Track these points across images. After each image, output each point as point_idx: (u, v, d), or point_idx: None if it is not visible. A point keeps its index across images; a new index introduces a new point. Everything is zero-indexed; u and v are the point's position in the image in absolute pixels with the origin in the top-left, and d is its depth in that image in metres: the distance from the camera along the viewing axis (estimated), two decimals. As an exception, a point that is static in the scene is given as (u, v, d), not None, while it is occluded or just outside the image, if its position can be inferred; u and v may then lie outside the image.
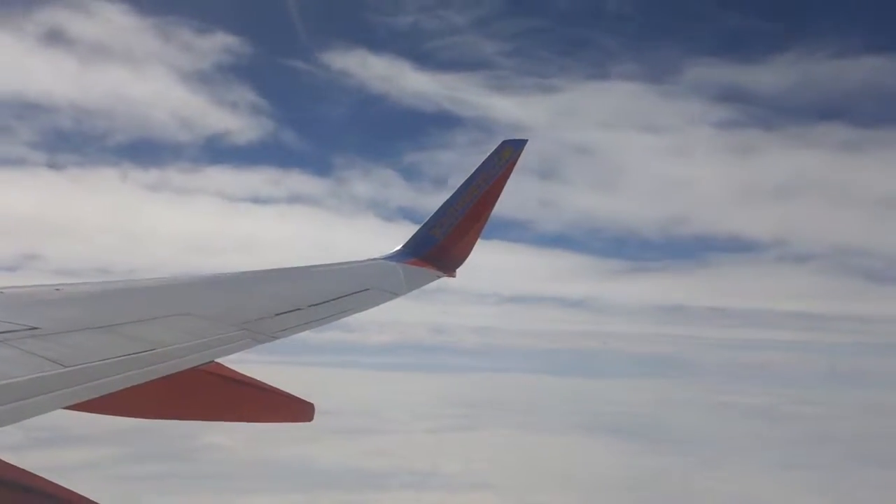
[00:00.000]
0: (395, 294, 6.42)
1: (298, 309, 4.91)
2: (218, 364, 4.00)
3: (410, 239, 8.31)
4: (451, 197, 8.34)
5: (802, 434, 75.77)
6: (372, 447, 62.13)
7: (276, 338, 4.35)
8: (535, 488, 55.35)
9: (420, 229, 8.37)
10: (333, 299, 5.44)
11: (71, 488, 3.21)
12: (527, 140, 8.29)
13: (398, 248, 8.23)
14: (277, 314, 4.67)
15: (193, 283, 5.11)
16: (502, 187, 8.25)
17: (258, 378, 4.43)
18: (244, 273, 5.71)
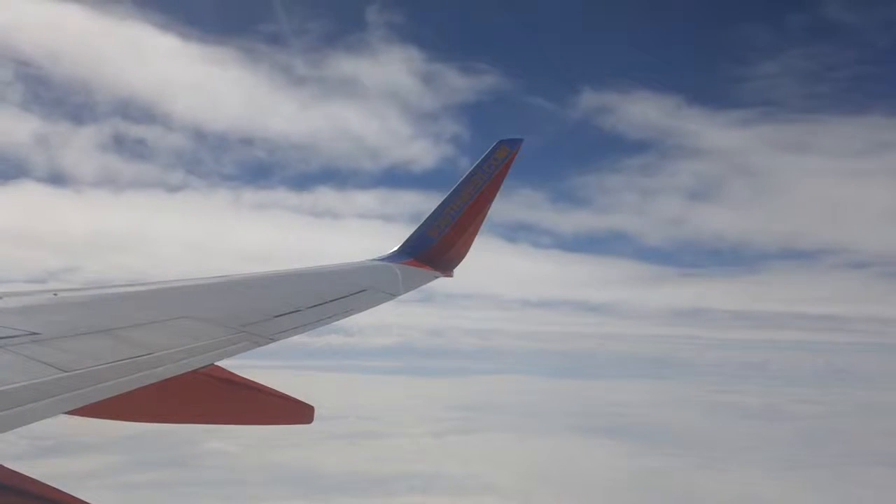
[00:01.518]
0: (392, 295, 6.43)
1: (297, 311, 4.93)
2: (217, 367, 4.02)
3: (407, 240, 8.32)
4: (448, 197, 8.35)
5: (803, 433, 75.69)
6: (375, 451, 62.07)
7: (274, 340, 4.37)
8: (539, 490, 55.28)
9: (417, 230, 8.37)
10: (331, 301, 5.46)
11: (77, 497, 3.22)
12: (522, 140, 8.31)
13: (395, 248, 8.24)
14: (276, 316, 4.69)
15: (192, 286, 5.12)
16: (498, 187, 8.26)
17: (258, 381, 4.45)
18: (242, 276, 5.72)
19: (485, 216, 8.37)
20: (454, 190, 8.33)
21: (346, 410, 71.45)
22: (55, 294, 4.20)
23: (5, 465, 3.16)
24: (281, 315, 4.75)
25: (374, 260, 7.90)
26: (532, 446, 68.41)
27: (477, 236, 8.45)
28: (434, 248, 8.22)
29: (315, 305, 5.19)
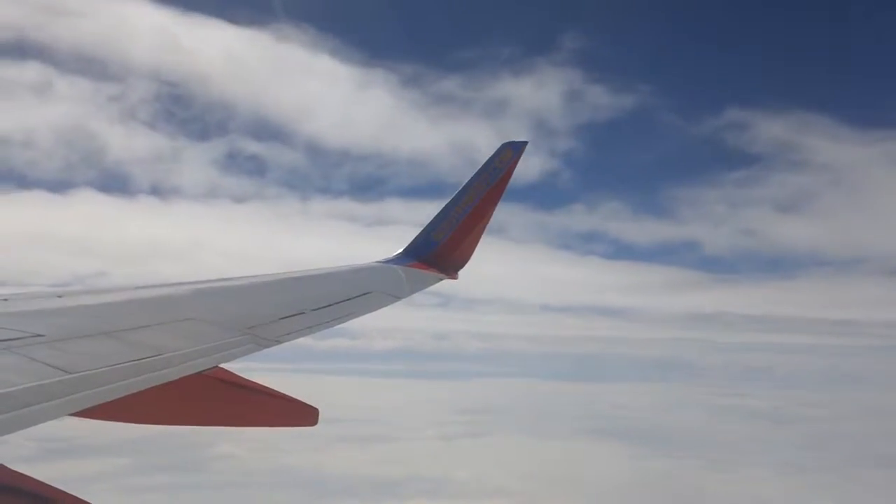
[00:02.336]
0: (397, 297, 6.43)
1: (301, 313, 4.93)
2: (222, 369, 4.02)
3: (412, 242, 8.31)
4: (453, 199, 8.35)
5: (808, 436, 75.31)
6: (382, 455, 62.02)
7: (279, 342, 4.37)
8: (547, 493, 55.15)
9: (421, 232, 8.37)
10: (336, 303, 5.45)
11: (85, 499, 3.22)
12: (527, 142, 8.31)
13: (400, 251, 8.24)
14: (281, 318, 4.69)
15: (197, 288, 5.13)
16: (503, 189, 8.26)
17: (262, 384, 4.45)
18: (247, 278, 5.73)
19: (489, 218, 8.37)
20: (459, 192, 8.33)
21: (353, 413, 71.46)
22: (60, 296, 4.21)
23: (12, 467, 3.16)
24: (286, 317, 4.75)
25: (379, 262, 7.89)
26: (540, 449, 68.27)
27: (482, 239, 8.45)
28: (439, 251, 8.21)
29: (320, 307, 5.19)
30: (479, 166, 8.34)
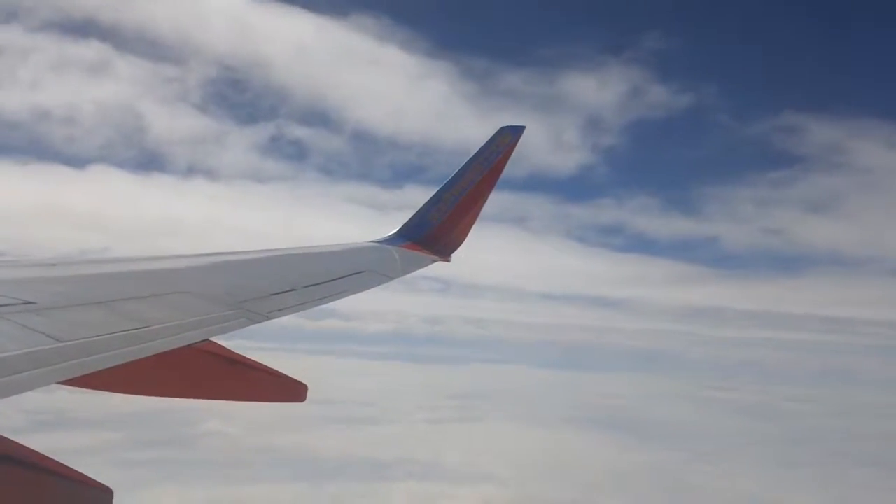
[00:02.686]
0: (389, 277, 6.45)
1: (293, 290, 4.94)
2: (212, 342, 4.03)
3: (406, 223, 8.32)
4: (448, 181, 8.36)
5: (797, 432, 75.93)
6: (372, 437, 62.37)
7: (270, 318, 4.38)
8: (534, 480, 55.59)
9: (416, 214, 8.38)
10: (328, 281, 5.47)
11: (77, 469, 3.23)
12: (524, 126, 8.30)
13: (393, 231, 8.25)
14: (272, 294, 4.70)
15: (190, 262, 5.13)
16: (500, 173, 8.27)
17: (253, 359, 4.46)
18: (240, 253, 5.73)
19: (484, 202, 8.39)
20: (455, 174, 8.33)
21: (345, 395, 71.73)
22: (53, 264, 4.21)
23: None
24: (277, 293, 4.76)
25: (373, 242, 7.90)
26: (529, 436, 68.71)
27: (476, 222, 8.47)
28: (433, 232, 8.23)
29: (312, 285, 5.20)
30: (489, 153, 8.33)
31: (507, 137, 8.22)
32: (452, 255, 8.42)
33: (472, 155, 8.33)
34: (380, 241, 7.94)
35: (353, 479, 52.19)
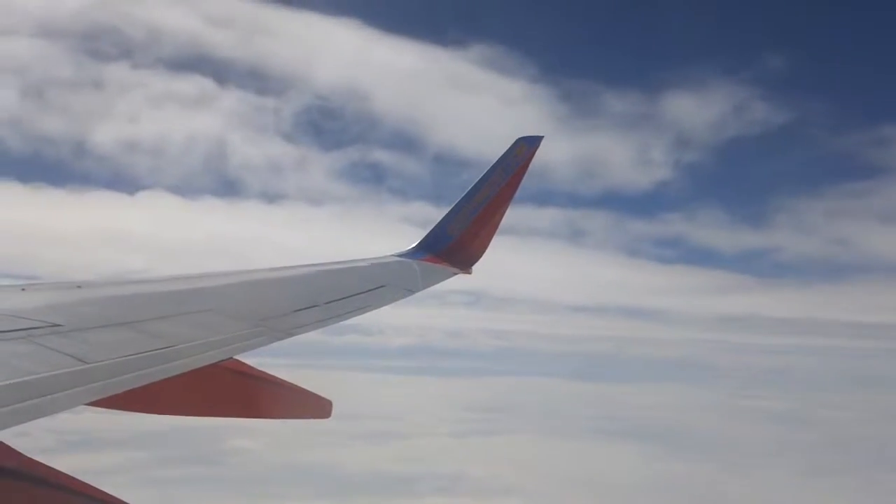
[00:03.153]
0: (410, 291, 6.44)
1: (315, 306, 4.95)
2: (236, 360, 4.04)
3: (426, 236, 8.32)
4: (467, 194, 8.36)
5: (831, 438, 74.46)
6: (397, 451, 62.13)
7: (293, 334, 4.39)
8: (563, 493, 55.02)
9: (435, 227, 8.38)
10: (350, 296, 5.47)
11: (105, 491, 3.24)
12: (542, 137, 8.29)
13: (413, 245, 8.25)
14: (294, 311, 4.71)
15: (212, 280, 5.16)
16: (518, 184, 8.25)
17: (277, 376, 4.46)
18: (262, 271, 5.76)
19: (504, 213, 8.37)
20: (473, 186, 8.33)
21: (368, 410, 71.66)
22: (79, 286, 4.26)
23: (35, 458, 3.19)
24: (299, 310, 4.77)
25: (393, 256, 7.91)
26: (555, 448, 68.09)
27: (496, 233, 8.45)
28: (453, 245, 8.22)
29: (334, 301, 5.20)
30: (510, 165, 8.32)
31: (524, 148, 8.22)
32: (473, 267, 8.41)
33: (490, 166, 8.34)
34: (400, 255, 7.94)
35: (379, 495, 51.99)
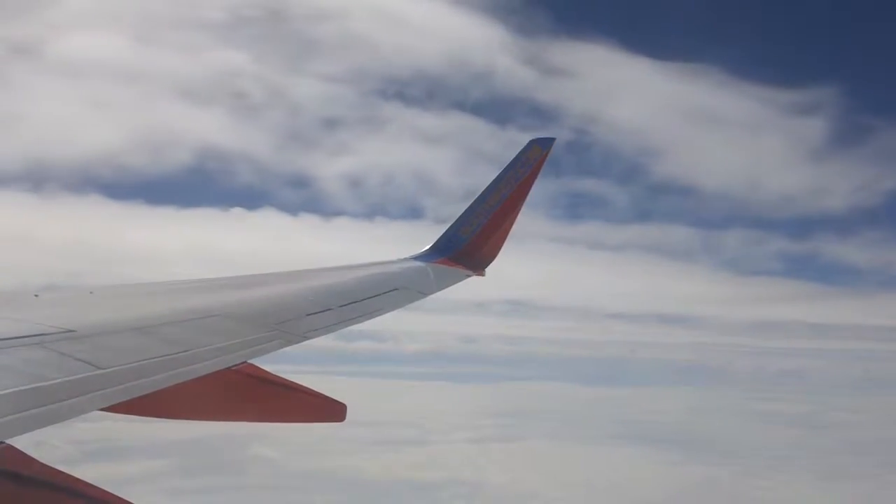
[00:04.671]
0: (424, 294, 6.42)
1: (329, 309, 4.94)
2: (250, 365, 4.04)
3: (439, 239, 8.30)
4: (480, 196, 8.33)
5: (848, 442, 73.41)
6: (417, 458, 62.03)
7: (307, 338, 4.39)
8: (584, 499, 54.65)
9: (449, 229, 8.35)
10: (363, 299, 5.46)
11: (128, 500, 3.23)
12: (555, 139, 8.25)
13: (427, 248, 8.22)
14: (308, 315, 4.71)
15: (225, 284, 5.18)
16: (531, 186, 8.21)
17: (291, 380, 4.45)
18: (275, 275, 5.77)
19: (517, 215, 8.33)
20: (487, 188, 8.30)
21: (385, 416, 71.65)
22: (91, 292, 4.28)
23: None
24: (313, 314, 4.76)
25: (406, 259, 7.89)
26: (574, 454, 67.66)
27: (509, 235, 8.41)
28: (466, 247, 8.19)
29: (347, 304, 5.19)
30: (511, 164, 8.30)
31: (537, 150, 8.18)
32: (486, 269, 8.37)
33: (503, 169, 8.30)
34: (413, 258, 7.92)
35: (400, 502, 51.95)
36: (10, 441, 2.59)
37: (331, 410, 4.44)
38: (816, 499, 55.02)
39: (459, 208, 8.51)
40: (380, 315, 5.37)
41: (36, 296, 3.98)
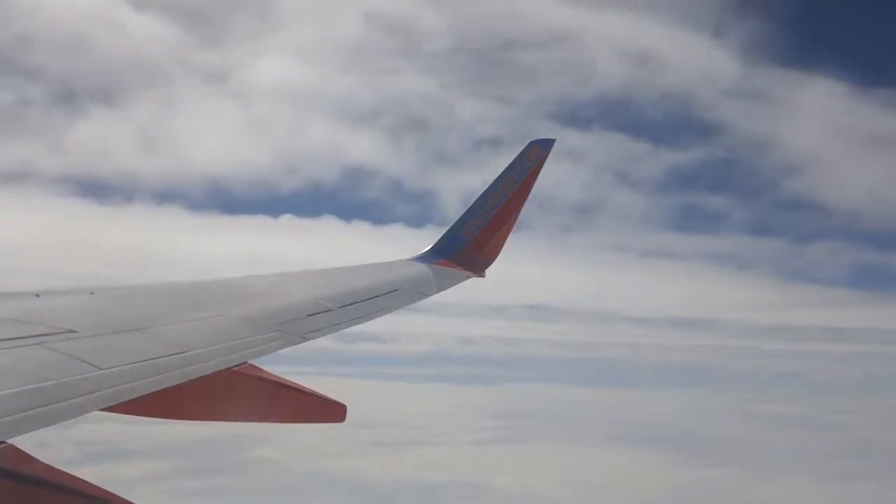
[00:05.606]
0: (424, 295, 6.43)
1: (329, 310, 4.95)
2: (251, 365, 4.05)
3: (439, 240, 8.30)
4: (480, 197, 8.33)
5: (850, 443, 73.21)
6: (419, 460, 61.95)
7: (308, 339, 4.40)
8: (586, 500, 54.56)
9: (449, 230, 8.36)
10: (363, 300, 5.47)
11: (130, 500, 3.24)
12: (554, 140, 8.25)
13: (427, 249, 8.22)
14: (308, 315, 4.72)
15: (226, 285, 5.19)
16: (531, 188, 8.21)
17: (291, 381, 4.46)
18: (275, 276, 5.78)
19: (517, 216, 8.33)
20: (487, 190, 8.30)
21: (387, 418, 71.59)
22: (92, 293, 4.30)
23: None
24: (313, 314, 4.77)
25: (407, 260, 7.89)
26: (576, 455, 67.56)
27: (510, 237, 8.41)
28: (466, 249, 8.19)
29: (347, 305, 5.20)
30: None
31: (536, 151, 8.18)
32: (486, 270, 8.37)
33: (503, 170, 8.31)
34: (413, 259, 7.92)
35: (404, 503, 51.89)
36: (11, 441, 2.60)
37: (331, 411, 4.44)
38: (817, 501, 54.88)
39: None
40: (380, 316, 5.39)
41: (37, 296, 4.00)
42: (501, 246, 8.40)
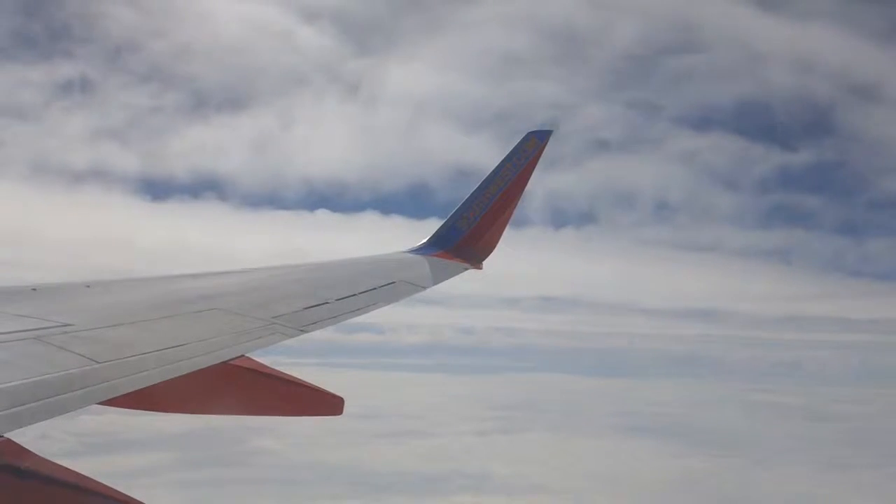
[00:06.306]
0: (421, 287, 6.42)
1: (326, 303, 4.95)
2: (248, 358, 4.06)
3: (436, 231, 8.27)
4: (477, 189, 8.30)
5: (850, 433, 73.46)
6: (420, 450, 62.17)
7: (304, 331, 4.40)
8: (588, 490, 54.79)
9: (446, 222, 8.32)
10: (360, 293, 5.47)
11: (130, 495, 3.26)
12: (552, 131, 8.20)
13: (424, 241, 8.20)
14: (305, 308, 4.72)
15: (222, 278, 5.19)
16: (528, 178, 8.18)
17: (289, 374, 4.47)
18: (271, 268, 5.78)
19: (515, 207, 8.30)
20: (484, 181, 8.27)
21: (387, 409, 71.86)
22: (88, 286, 4.30)
23: (54, 461, 3.21)
24: (310, 307, 4.77)
25: (404, 252, 7.88)
26: (577, 445, 67.81)
27: (507, 228, 8.38)
28: (463, 240, 8.17)
29: (344, 297, 5.20)
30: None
31: (534, 142, 8.14)
32: (484, 262, 8.35)
33: (500, 161, 8.27)
34: (410, 251, 7.90)
35: (406, 494, 52.10)
36: (9, 435, 2.61)
37: (328, 404, 4.45)
38: (817, 489, 55.10)
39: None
40: (376, 308, 5.38)
41: (34, 290, 4.00)
42: (499, 237, 8.37)
